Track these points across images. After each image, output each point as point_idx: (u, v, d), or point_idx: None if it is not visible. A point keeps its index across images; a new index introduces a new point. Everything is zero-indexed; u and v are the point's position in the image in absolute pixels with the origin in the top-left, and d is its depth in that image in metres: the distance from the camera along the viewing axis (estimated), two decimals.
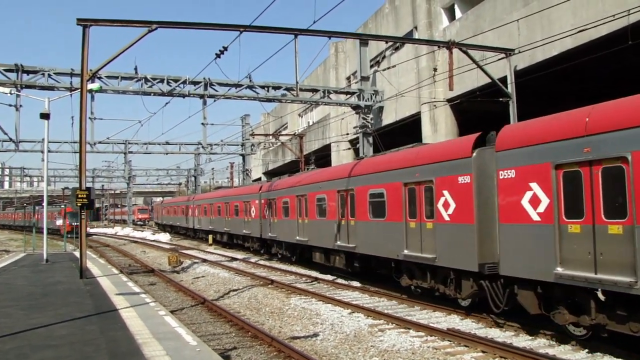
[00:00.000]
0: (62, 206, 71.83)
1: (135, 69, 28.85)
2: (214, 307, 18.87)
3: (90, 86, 20.88)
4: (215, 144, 57.39)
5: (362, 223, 21.27)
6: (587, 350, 12.06)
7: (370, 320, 16.03)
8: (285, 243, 31.53)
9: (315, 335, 14.69)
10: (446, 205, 15.73)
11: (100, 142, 48.81)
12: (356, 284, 23.11)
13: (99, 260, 32.97)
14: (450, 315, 16.36)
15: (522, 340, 13.22)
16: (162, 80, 30.17)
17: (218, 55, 18.51)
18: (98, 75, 28.00)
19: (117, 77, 29.42)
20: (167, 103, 29.08)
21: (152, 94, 30.26)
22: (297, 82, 21.76)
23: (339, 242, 23.18)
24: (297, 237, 28.43)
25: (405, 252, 17.97)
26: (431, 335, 13.85)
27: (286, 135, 53.28)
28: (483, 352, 12.20)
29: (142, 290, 19.45)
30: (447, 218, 15.76)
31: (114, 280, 21.81)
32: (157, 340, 11.18)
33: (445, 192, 15.76)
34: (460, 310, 16.38)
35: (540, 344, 12.91)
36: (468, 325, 15.06)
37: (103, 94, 30.31)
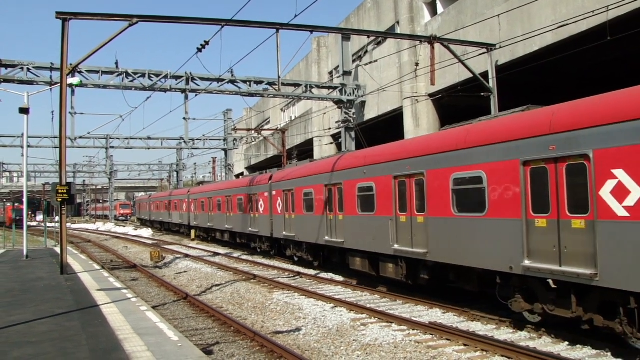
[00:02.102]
0: (8, 203, 71.06)
1: (117, 63, 28.55)
2: (196, 302, 18.83)
3: (70, 80, 20.73)
4: (197, 139, 57.17)
5: (439, 220, 15.88)
6: (567, 342, 12.19)
7: (353, 314, 16.06)
8: (307, 244, 26.05)
9: (298, 329, 14.70)
10: None
11: (81, 137, 48.38)
12: (339, 278, 23.14)
13: (80, 256, 32.78)
14: (432, 309, 16.44)
15: (504, 333, 13.33)
16: (143, 75, 29.97)
17: (199, 50, 18.40)
18: (79, 70, 27.73)
19: (98, 72, 29.16)
20: (148, 98, 28.88)
21: (133, 89, 30.05)
22: (279, 77, 21.70)
23: (396, 246, 17.69)
24: (327, 238, 22.95)
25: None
26: (413, 329, 13.91)
27: (269, 130, 53.16)
28: (465, 345, 12.28)
29: (123, 286, 19.39)
30: None
31: (95, 276, 21.70)
32: (138, 336, 11.15)
33: None
34: (442, 304, 16.47)
35: (521, 336, 13.00)
36: (450, 318, 15.14)
37: (84, 89, 29.99)
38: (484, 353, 11.69)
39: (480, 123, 15.22)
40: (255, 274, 25.00)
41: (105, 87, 29.42)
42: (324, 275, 24.30)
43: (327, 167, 22.98)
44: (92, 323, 12.68)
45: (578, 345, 11.92)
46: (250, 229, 33.92)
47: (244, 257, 33.83)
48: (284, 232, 28.19)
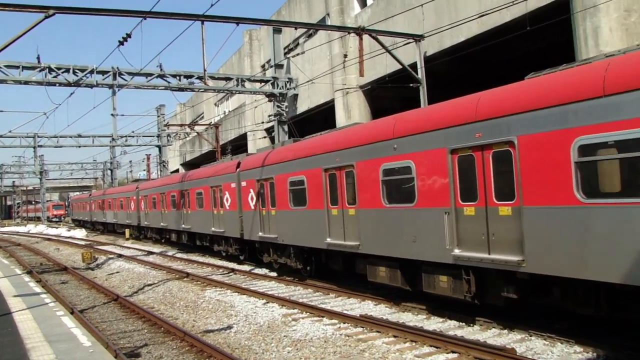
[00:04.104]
0: None
1: (38, 57, 27.42)
2: (127, 303, 18.40)
3: None
4: (129, 136, 55.85)
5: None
6: (493, 329, 12.37)
7: (285, 310, 15.94)
8: (296, 248, 20.44)
9: (230, 327, 14.51)
10: None
11: (1, 136, 46.21)
12: (273, 274, 22.95)
13: (3, 261, 31.46)
14: (364, 301, 16.46)
15: (433, 323, 13.44)
16: (67, 70, 28.88)
17: (121, 43, 17.79)
18: None
19: (18, 67, 27.97)
20: (72, 93, 27.69)
21: (57, 85, 28.94)
22: (204, 70, 21.27)
23: (457, 251, 12.45)
24: (329, 240, 17.57)
25: None
26: (344, 323, 13.88)
27: (202, 125, 52.39)
28: (395, 336, 12.30)
29: (43, 290, 18.66)
30: None
31: (15, 282, 20.84)
32: (48, 344, 10.70)
33: None
34: (374, 296, 16.48)
35: (450, 325, 13.15)
36: (382, 310, 15.19)
37: (4, 85, 28.80)
38: (413, 344, 11.74)
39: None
40: (189, 272, 24.63)
41: (26, 83, 28.27)
42: (258, 270, 24.06)
43: (330, 144, 17.57)
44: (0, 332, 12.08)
45: (504, 331, 12.12)
46: (213, 228, 28.62)
47: (179, 255, 33.28)
48: (260, 233, 22.61)
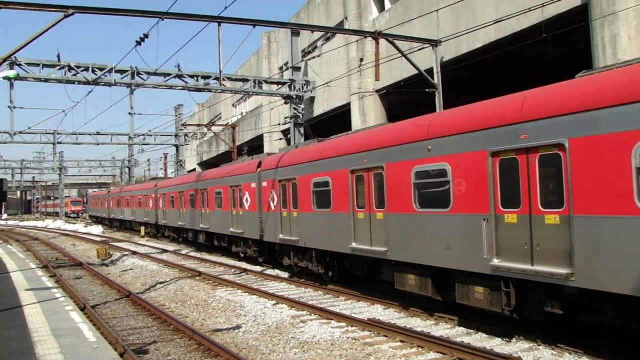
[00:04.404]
0: None
1: (58, 56, 27.77)
2: (138, 300, 18.52)
3: (5, 73, 20.01)
4: (147, 134, 56.21)
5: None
6: (501, 337, 12.30)
7: (294, 311, 15.98)
8: (318, 252, 19.66)
9: (238, 327, 14.56)
10: None
11: (21, 132, 46.58)
12: (284, 274, 23.01)
13: (18, 255, 31.82)
14: (373, 305, 16.45)
15: (441, 329, 13.40)
16: (86, 69, 29.21)
17: (138, 43, 17.99)
18: (17, 62, 26.98)
19: (38, 65, 28.33)
20: (90, 92, 28.00)
21: (76, 83, 29.26)
22: (220, 71, 21.38)
23: (496, 261, 11.64)
24: (354, 244, 16.70)
25: None
26: (352, 326, 13.88)
27: (219, 125, 52.61)
28: (401, 341, 12.28)
29: (54, 285, 18.83)
30: None
31: (28, 275, 21.05)
32: (54, 338, 10.82)
33: None
34: (383, 300, 16.46)
35: (458, 332, 13.10)
36: (390, 314, 15.17)
37: (25, 82, 29.16)
38: (420, 349, 11.72)
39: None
40: (201, 270, 24.77)
41: (46, 80, 28.62)
42: (269, 271, 24.13)
43: (357, 144, 16.74)
44: (8, 325, 12.22)
45: (512, 340, 12.06)
46: (231, 229, 27.76)
47: (192, 253, 33.44)
48: (281, 235, 21.89)
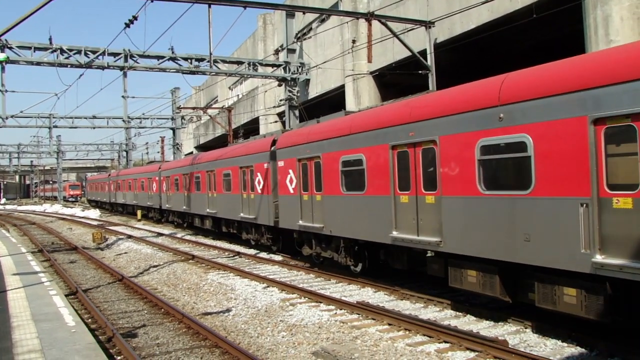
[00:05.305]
0: None
1: (50, 39, 27.58)
2: (131, 284, 18.60)
3: None
4: (144, 118, 55.95)
5: None
6: (489, 320, 12.29)
7: (284, 294, 15.97)
8: (347, 241, 17.41)
9: (228, 310, 14.60)
10: None
11: (14, 116, 46.13)
12: (277, 257, 22.99)
13: (11, 239, 31.71)
14: (364, 288, 16.44)
15: (430, 312, 13.39)
16: (79, 52, 28.93)
17: (127, 25, 17.86)
18: (9, 45, 26.77)
19: (30, 48, 28.08)
20: (81, 75, 27.83)
21: (69, 66, 29.02)
22: (210, 53, 21.33)
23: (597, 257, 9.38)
24: (395, 233, 14.35)
25: None
26: (341, 309, 13.87)
27: (216, 108, 52.39)
28: (389, 324, 12.26)
29: (42, 269, 18.75)
30: None
31: (18, 260, 20.95)
32: (34, 322, 10.78)
33: None
34: (374, 282, 16.43)
35: (446, 315, 13.10)
36: (380, 297, 15.16)
37: (16, 66, 28.92)
38: (407, 332, 11.71)
39: None
40: (195, 254, 24.77)
41: (38, 64, 28.36)
42: (263, 254, 24.09)
43: (400, 115, 14.22)
44: None
45: (500, 323, 12.04)
46: (242, 214, 25.51)
47: (187, 237, 33.44)
48: (301, 221, 19.49)
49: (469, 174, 11.78)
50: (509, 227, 10.90)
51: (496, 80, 11.43)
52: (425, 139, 13.08)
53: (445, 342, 10.83)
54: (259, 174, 23.57)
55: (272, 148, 22.25)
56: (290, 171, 20.14)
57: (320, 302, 14.63)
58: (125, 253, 27.59)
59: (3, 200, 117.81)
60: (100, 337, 12.29)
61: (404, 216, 14.09)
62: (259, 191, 23.54)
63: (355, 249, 17.23)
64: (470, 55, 25.55)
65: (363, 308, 13.39)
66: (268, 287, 17.07)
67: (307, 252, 20.16)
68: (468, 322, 12.33)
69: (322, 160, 17.85)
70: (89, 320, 14.01)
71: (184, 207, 35.88)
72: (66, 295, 16.69)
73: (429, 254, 14.64)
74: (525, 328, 11.46)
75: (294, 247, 21.51)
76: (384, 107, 15.83)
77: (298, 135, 20.03)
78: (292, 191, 20.12)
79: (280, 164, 21.02)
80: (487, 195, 11.39)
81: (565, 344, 10.39)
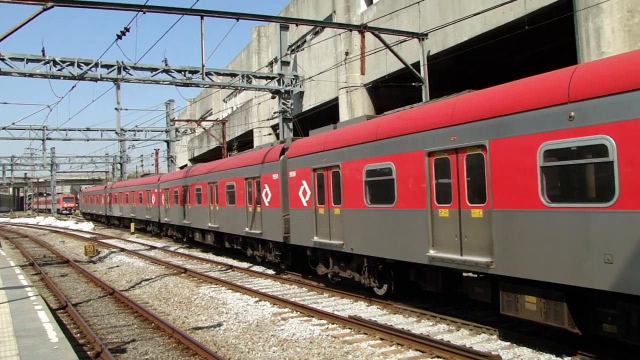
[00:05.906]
0: None
1: (43, 50, 27.46)
2: (122, 298, 18.38)
3: None
4: (138, 130, 55.85)
5: None
6: (483, 335, 12.15)
7: (276, 308, 15.81)
8: (371, 260, 15.56)
9: (219, 325, 14.41)
10: None
11: (5, 128, 45.81)
12: (270, 272, 22.81)
13: (1, 252, 31.39)
14: (357, 302, 16.28)
15: (423, 327, 13.23)
16: (72, 63, 28.83)
17: (119, 37, 17.78)
18: (1, 57, 26.65)
19: (22, 59, 27.97)
20: (73, 87, 27.73)
21: (61, 78, 28.89)
22: (202, 65, 21.20)
23: None
24: (433, 252, 12.58)
25: None
26: (333, 324, 13.71)
27: (210, 120, 52.31)
28: (381, 339, 12.11)
29: (30, 283, 18.49)
30: None
31: (5, 274, 20.62)
32: (15, 339, 10.52)
33: None
34: (368, 296, 16.27)
35: (440, 329, 12.95)
36: (373, 312, 15.00)
37: (8, 77, 28.76)
38: (399, 347, 11.55)
39: None
40: (187, 267, 24.59)
41: (31, 75, 28.24)
42: (256, 268, 23.90)
43: (438, 117, 12.57)
44: None
45: (493, 337, 11.90)
46: (246, 229, 23.92)
47: (180, 250, 33.21)
48: (316, 237, 17.84)
49: (528, 183, 10.14)
50: (582, 246, 9.18)
51: (564, 73, 9.87)
52: (471, 143, 11.47)
53: (438, 357, 10.68)
54: (266, 185, 21.95)
55: (282, 157, 20.72)
56: (304, 182, 18.51)
57: (312, 317, 14.47)
58: (117, 266, 27.36)
59: None
60: (88, 352, 12.10)
61: (444, 232, 12.42)
62: (267, 204, 21.94)
63: (380, 268, 15.49)
64: (464, 67, 25.56)
65: (355, 322, 13.22)
66: (260, 301, 16.90)
67: (323, 272, 18.33)
68: (461, 337, 12.18)
69: (341, 169, 16.19)
70: (78, 335, 13.82)
71: (184, 220, 34.24)
72: (56, 310, 16.59)
73: (466, 274, 13.65)
74: (519, 343, 11.31)
75: (305, 265, 20.14)
76: (416, 109, 14.17)
77: (312, 142, 18.29)
78: (305, 204, 18.48)
79: (292, 174, 19.41)
80: (552, 208, 9.75)
81: (559, 359, 10.26)
